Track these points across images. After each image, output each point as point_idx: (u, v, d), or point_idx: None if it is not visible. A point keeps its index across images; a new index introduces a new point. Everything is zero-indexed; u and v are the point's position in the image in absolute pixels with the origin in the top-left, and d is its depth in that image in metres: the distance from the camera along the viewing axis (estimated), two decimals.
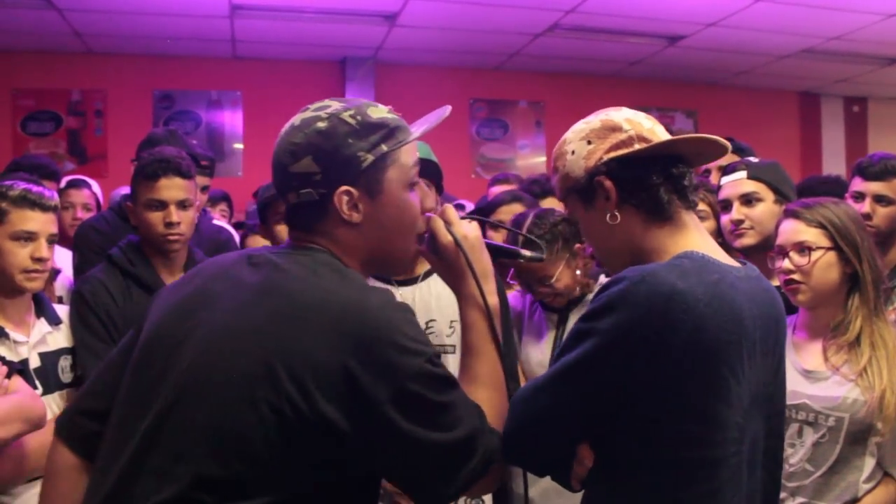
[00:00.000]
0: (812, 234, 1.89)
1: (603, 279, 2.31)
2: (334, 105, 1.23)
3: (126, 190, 3.02)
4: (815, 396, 1.85)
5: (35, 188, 2.01)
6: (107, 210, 3.04)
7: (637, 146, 1.28)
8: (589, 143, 1.31)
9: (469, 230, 1.32)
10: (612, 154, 1.29)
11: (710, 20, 5.20)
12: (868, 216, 2.48)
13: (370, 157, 1.20)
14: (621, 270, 1.24)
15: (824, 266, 1.87)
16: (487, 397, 1.22)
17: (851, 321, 1.86)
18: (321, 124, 1.20)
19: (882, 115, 7.35)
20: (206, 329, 1.16)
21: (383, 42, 5.61)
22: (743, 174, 2.30)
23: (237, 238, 3.33)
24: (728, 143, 1.32)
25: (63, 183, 3.72)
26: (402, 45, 5.68)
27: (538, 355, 2.25)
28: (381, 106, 1.26)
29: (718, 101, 6.71)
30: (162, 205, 2.18)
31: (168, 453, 1.11)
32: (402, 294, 2.06)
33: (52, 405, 2.00)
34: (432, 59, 6.02)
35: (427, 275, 2.09)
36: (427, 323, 2.03)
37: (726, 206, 2.32)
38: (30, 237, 1.94)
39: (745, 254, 2.20)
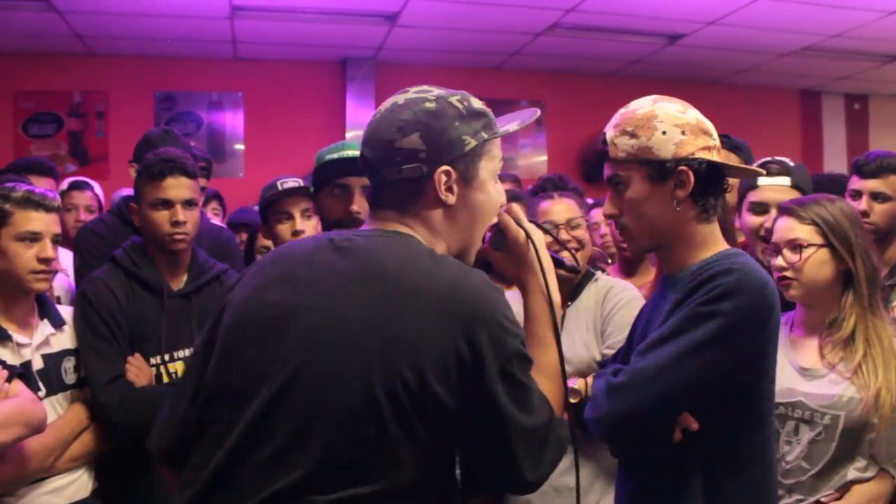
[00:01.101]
0: (805, 232, 1.91)
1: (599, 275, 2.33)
2: (437, 90, 1.28)
3: (126, 191, 3.03)
4: (810, 394, 1.87)
5: (38, 189, 2.04)
6: (106, 213, 3.04)
7: (716, 156, 1.48)
8: (683, 133, 1.45)
9: (534, 227, 1.38)
10: (704, 155, 1.45)
11: (710, 18, 5.20)
12: (865, 213, 2.49)
13: (473, 142, 1.25)
14: (641, 247, 1.56)
15: (816, 263, 1.89)
16: (550, 388, 1.26)
17: (845, 318, 1.88)
18: (430, 105, 1.24)
19: (883, 112, 7.34)
20: (307, 317, 1.16)
21: (384, 42, 5.61)
22: (787, 181, 2.30)
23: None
24: (762, 172, 1.57)
25: (65, 184, 3.74)
26: (402, 46, 5.68)
27: None
28: (474, 97, 1.31)
29: (719, 99, 6.67)
30: (168, 204, 2.18)
31: (280, 444, 1.11)
32: None
33: (56, 406, 2.02)
34: (433, 58, 6.02)
35: None
36: None
37: (762, 209, 2.30)
38: (35, 238, 1.96)
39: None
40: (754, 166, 2.27)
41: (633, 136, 1.46)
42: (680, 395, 1.39)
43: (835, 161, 6.74)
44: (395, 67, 5.98)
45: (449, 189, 1.25)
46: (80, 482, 2.01)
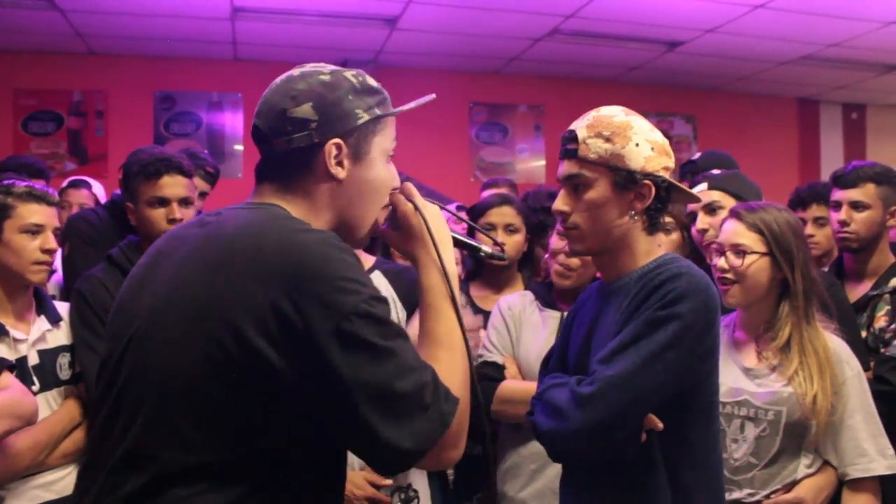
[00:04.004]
0: (749, 238, 1.98)
1: None
2: (334, 66, 1.29)
3: None
4: (755, 393, 1.95)
5: (38, 185, 2.11)
6: (99, 206, 3.07)
7: (671, 178, 1.55)
8: (652, 150, 1.52)
9: (428, 204, 1.34)
10: (665, 174, 1.53)
11: (709, 26, 5.23)
12: (845, 223, 2.57)
13: (366, 117, 1.24)
14: (588, 248, 1.58)
15: (756, 270, 1.97)
16: (445, 357, 1.19)
17: (781, 327, 1.96)
18: (325, 77, 1.25)
19: (880, 122, 7.37)
20: (150, 288, 1.18)
21: (384, 45, 5.64)
22: (704, 186, 2.48)
23: None
24: (700, 199, 1.76)
25: (66, 183, 3.76)
26: (402, 49, 5.71)
27: (537, 350, 2.28)
28: (371, 77, 1.30)
29: (717, 106, 6.74)
30: (164, 202, 2.21)
31: (126, 417, 1.13)
32: None
33: (51, 402, 2.04)
34: (433, 62, 6.05)
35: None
36: None
37: (693, 218, 2.47)
38: (38, 230, 2.02)
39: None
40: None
41: (608, 140, 1.50)
42: (649, 399, 1.44)
43: (832, 169, 6.73)
44: (396, 71, 6.00)
45: (339, 163, 1.23)
46: (71, 478, 2.02)
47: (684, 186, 1.60)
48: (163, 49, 5.61)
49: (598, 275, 2.40)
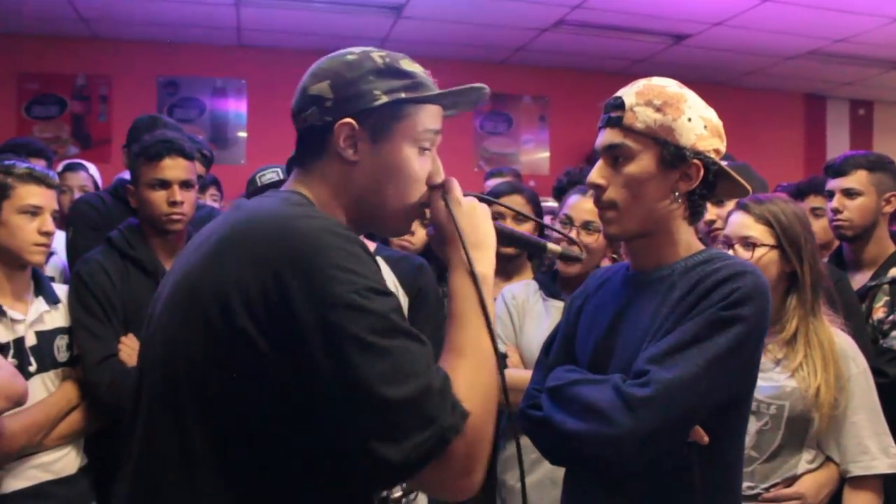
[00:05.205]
0: (758, 231, 1.96)
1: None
2: (372, 48, 1.22)
3: (127, 175, 3.04)
4: (758, 387, 1.90)
5: (39, 167, 2.11)
6: (102, 191, 3.07)
7: (719, 162, 1.41)
8: (705, 128, 1.38)
9: (467, 200, 1.24)
10: (715, 157, 1.40)
11: (717, 20, 5.20)
12: (838, 210, 2.57)
13: (384, 98, 1.16)
14: (627, 230, 1.41)
15: (766, 263, 1.93)
16: (464, 367, 1.08)
17: (788, 320, 1.93)
18: (351, 56, 1.20)
19: (888, 118, 7.33)
20: (170, 279, 1.17)
21: (389, 33, 5.61)
22: None
23: None
24: (749, 189, 1.50)
25: (61, 167, 3.76)
26: (407, 38, 5.68)
27: (540, 339, 2.26)
28: (417, 64, 1.23)
29: (723, 100, 6.59)
30: (165, 184, 2.20)
31: (146, 400, 1.13)
32: None
33: (48, 383, 2.04)
34: (438, 51, 6.00)
35: None
36: None
37: None
38: (36, 211, 2.02)
39: None
40: None
41: (658, 110, 1.36)
42: (706, 407, 1.30)
43: None
44: None
45: (352, 144, 1.17)
46: (68, 458, 2.03)
47: (736, 175, 1.45)
48: (167, 34, 5.59)
49: (607, 256, 2.41)
